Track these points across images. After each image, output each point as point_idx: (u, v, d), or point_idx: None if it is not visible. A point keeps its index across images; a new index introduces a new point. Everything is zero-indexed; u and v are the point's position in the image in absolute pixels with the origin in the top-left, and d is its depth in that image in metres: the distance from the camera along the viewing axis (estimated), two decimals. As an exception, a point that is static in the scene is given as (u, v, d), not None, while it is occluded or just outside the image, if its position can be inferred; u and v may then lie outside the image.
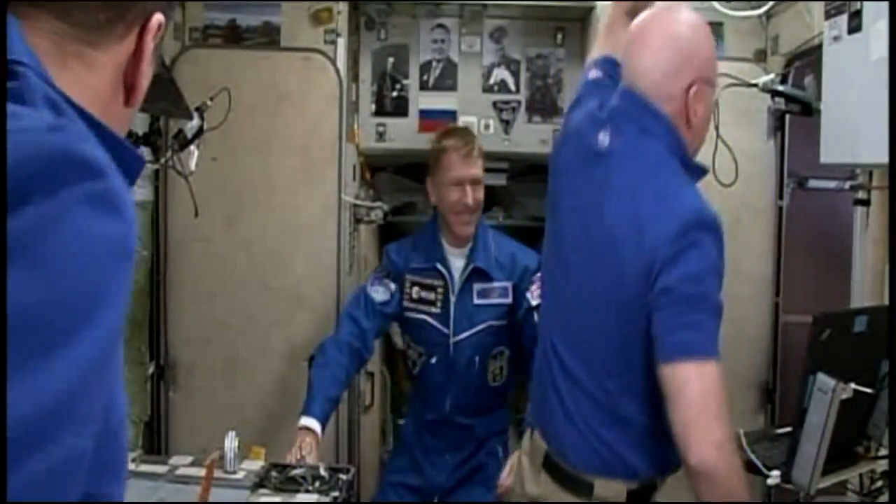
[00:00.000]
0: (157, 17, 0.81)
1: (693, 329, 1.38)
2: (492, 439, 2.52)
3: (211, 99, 2.25)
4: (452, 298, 2.41)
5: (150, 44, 0.81)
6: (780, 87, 2.11)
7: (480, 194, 2.41)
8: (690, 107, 1.49)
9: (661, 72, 1.49)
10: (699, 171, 1.56)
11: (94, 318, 0.61)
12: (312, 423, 2.14)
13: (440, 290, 2.41)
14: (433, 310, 2.42)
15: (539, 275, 2.10)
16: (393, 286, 2.42)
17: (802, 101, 2.11)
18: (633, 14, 1.65)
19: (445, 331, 2.41)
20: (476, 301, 2.41)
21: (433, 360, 2.44)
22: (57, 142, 0.63)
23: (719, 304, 1.41)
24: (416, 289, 2.42)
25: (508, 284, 2.43)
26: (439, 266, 2.42)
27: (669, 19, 1.53)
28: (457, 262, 2.44)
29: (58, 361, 0.59)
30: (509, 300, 2.43)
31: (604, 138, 1.52)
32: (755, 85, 2.08)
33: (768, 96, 2.37)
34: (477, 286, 2.41)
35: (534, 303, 2.33)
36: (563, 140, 1.70)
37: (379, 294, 2.40)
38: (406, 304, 2.44)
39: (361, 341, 2.34)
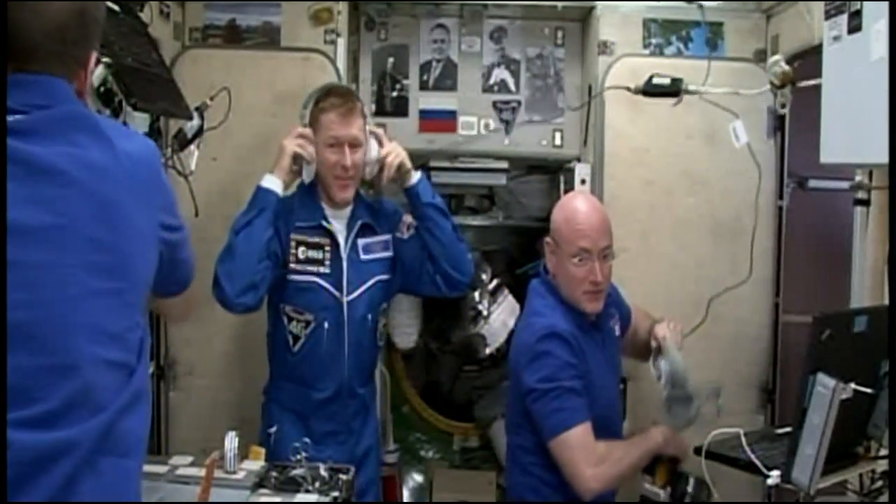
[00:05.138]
0: (93, 56, 1.26)
1: (557, 412, 2.02)
2: (372, 408, 2.47)
3: (211, 99, 2.25)
4: (344, 256, 2.31)
5: (90, 72, 1.27)
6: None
7: (358, 156, 2.30)
8: (546, 257, 2.22)
9: None
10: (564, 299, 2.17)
11: None
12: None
13: (327, 248, 2.30)
14: (322, 269, 2.30)
15: (407, 217, 2.43)
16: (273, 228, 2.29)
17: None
18: None
19: (337, 291, 2.29)
20: (363, 257, 2.34)
21: (325, 326, 2.29)
22: None
23: (572, 387, 2.02)
24: (301, 248, 2.29)
25: (389, 237, 2.40)
26: (325, 223, 2.31)
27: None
28: (340, 221, 2.34)
29: None
30: (391, 253, 2.40)
31: None
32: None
33: (768, 95, 2.38)
34: (361, 241, 2.35)
35: (404, 236, 2.40)
36: None
37: None
38: (293, 265, 2.29)
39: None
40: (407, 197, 2.40)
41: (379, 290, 2.37)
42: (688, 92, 2.35)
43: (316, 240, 2.30)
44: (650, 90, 2.40)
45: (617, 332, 2.28)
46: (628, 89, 2.42)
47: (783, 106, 2.27)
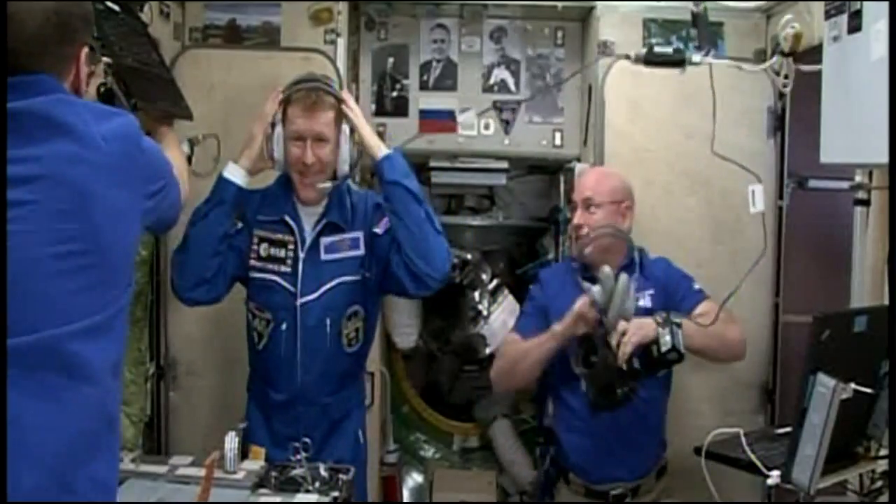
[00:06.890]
0: (85, 50, 1.35)
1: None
2: (348, 419, 2.29)
3: (203, 137, 2.23)
4: (301, 255, 2.18)
5: (83, 64, 1.35)
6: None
7: (324, 152, 2.15)
8: None
9: None
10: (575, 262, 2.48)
11: None
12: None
13: (290, 246, 2.19)
14: (282, 269, 2.19)
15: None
16: (240, 224, 2.21)
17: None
18: None
19: (293, 290, 2.17)
20: (324, 257, 2.19)
21: (283, 327, 2.18)
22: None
23: (524, 310, 2.54)
24: (264, 245, 2.20)
25: (360, 234, 2.22)
26: (288, 219, 2.19)
27: None
28: (309, 218, 2.22)
29: None
30: (361, 251, 2.21)
31: None
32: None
33: (768, 95, 2.37)
34: (325, 240, 2.20)
35: (379, 231, 2.21)
36: None
37: None
38: (253, 262, 2.21)
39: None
40: (375, 176, 2.26)
41: (342, 293, 2.20)
42: (692, 63, 2.19)
43: (279, 237, 2.20)
44: (652, 59, 2.26)
45: (642, 303, 2.31)
46: (627, 57, 2.41)
47: (784, 86, 2.13)
